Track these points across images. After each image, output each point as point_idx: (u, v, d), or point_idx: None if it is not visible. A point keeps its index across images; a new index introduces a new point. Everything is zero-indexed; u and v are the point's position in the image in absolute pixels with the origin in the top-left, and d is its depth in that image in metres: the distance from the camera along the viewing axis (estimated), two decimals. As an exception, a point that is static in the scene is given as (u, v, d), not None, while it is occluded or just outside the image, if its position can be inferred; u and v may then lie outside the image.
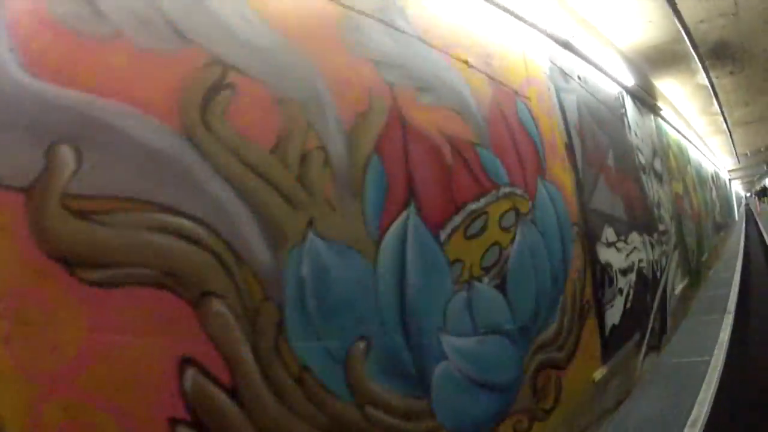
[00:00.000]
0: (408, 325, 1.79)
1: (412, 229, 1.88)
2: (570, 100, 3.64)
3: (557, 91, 3.46)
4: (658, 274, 5.04)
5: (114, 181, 1.12)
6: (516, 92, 2.87)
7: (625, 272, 4.05)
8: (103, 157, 1.12)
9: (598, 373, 3.16)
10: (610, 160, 4.32)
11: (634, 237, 4.52)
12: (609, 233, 3.89)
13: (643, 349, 4.12)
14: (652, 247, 5.04)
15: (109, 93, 1.15)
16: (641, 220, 4.89)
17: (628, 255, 4.22)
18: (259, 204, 1.40)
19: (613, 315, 3.59)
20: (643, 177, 5.38)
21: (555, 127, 3.26)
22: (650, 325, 4.41)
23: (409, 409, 1.74)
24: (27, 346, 0.95)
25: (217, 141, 1.33)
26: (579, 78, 3.99)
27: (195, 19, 1.36)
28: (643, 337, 4.15)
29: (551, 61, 3.52)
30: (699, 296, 6.61)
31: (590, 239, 3.44)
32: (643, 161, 5.53)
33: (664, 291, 5.17)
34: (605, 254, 3.69)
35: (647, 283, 4.62)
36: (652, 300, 4.67)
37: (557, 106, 3.38)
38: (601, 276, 3.49)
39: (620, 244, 4.09)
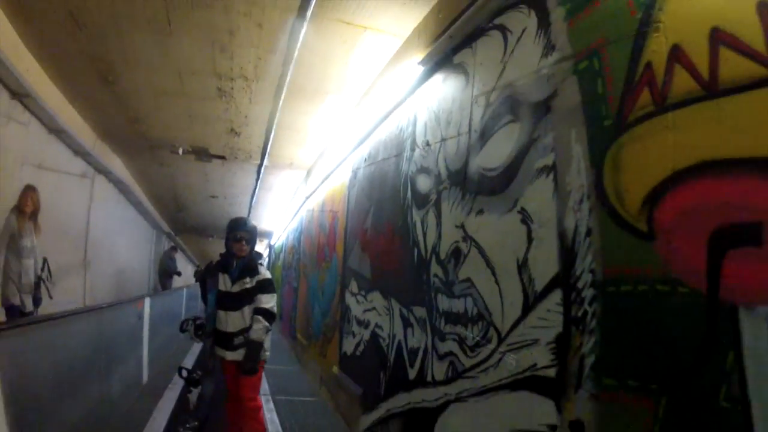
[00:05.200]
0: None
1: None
2: (353, 194, 5.34)
3: (348, 192, 5.57)
4: (399, 354, 3.19)
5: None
6: (335, 212, 6.31)
7: (360, 323, 4.52)
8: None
9: (336, 369, 5.45)
10: (369, 222, 4.44)
11: (376, 298, 4.03)
12: (354, 285, 4.83)
13: (359, 407, 4.24)
14: (404, 320, 3.34)
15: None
16: (393, 281, 3.62)
17: (365, 311, 4.34)
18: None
19: (349, 345, 4.98)
20: (416, 217, 3.16)
21: (342, 223, 5.78)
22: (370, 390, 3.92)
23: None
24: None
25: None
26: (365, 160, 4.99)
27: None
28: (364, 395, 4.22)
29: (353, 171, 5.57)
30: None
31: (343, 286, 5.36)
32: (426, 189, 3.04)
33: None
34: (349, 300, 5.02)
35: (380, 353, 3.79)
36: (382, 367, 3.69)
37: (346, 206, 5.64)
38: (344, 311, 5.21)
39: (360, 298, 4.54)
